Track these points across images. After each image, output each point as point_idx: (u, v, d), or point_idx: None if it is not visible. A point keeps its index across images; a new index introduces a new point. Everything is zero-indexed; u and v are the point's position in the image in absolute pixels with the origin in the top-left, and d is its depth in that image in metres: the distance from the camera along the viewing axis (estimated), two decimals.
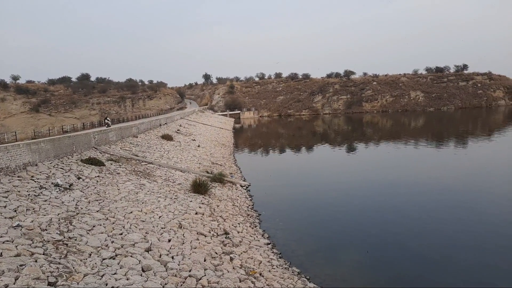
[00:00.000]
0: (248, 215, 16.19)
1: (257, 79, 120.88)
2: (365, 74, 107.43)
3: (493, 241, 12.93)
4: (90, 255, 8.11)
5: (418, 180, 22.32)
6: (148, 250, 9.27)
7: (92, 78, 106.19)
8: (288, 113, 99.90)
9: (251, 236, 13.24)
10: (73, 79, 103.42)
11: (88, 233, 9.37)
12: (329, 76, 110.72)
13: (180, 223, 12.12)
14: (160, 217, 12.31)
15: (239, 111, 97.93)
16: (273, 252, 12.16)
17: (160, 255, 9.15)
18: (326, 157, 34.32)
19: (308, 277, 10.65)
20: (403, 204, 17.85)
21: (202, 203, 15.50)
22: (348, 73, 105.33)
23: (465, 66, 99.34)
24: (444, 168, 25.77)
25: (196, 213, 13.87)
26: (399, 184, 21.94)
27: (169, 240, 10.42)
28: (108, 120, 34.46)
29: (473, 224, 14.63)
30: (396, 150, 35.10)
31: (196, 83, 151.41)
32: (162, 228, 11.31)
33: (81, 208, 11.17)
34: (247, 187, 21.56)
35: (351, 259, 12.08)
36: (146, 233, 10.49)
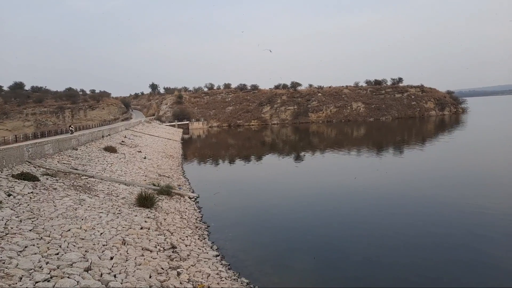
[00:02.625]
0: (197, 227, 15.92)
1: (206, 89, 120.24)
2: (310, 85, 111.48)
3: (426, 240, 13.97)
4: (21, 278, 7.44)
5: (361, 186, 23.48)
6: (87, 269, 8.72)
7: (27, 87, 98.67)
8: (237, 123, 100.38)
9: (200, 249, 13.01)
10: (5, 88, 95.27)
11: (19, 255, 8.60)
12: (277, 87, 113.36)
13: (123, 239, 11.57)
14: (101, 233, 11.65)
15: (187, 122, 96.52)
16: (222, 264, 12.04)
17: (101, 274, 8.65)
18: (274, 166, 34.93)
19: (256, 287, 10.68)
20: (347, 209, 18.67)
21: (148, 217, 14.96)
22: (295, 85, 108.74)
23: (400, 79, 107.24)
24: (384, 174, 27.43)
25: (141, 228, 13.34)
26: (344, 190, 22.92)
27: (111, 258, 9.89)
28: (72, 127, 39.39)
29: (409, 227, 15.69)
30: (340, 158, 36.73)
31: (142, 93, 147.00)
32: (103, 245, 10.71)
33: (11, 228, 10.23)
34: (195, 198, 21.21)
35: (299, 265, 12.34)
36: (85, 251, 9.86)
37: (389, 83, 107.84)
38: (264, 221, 17.47)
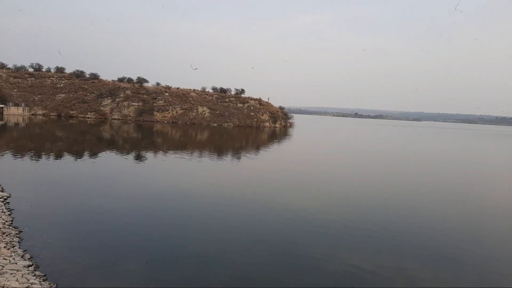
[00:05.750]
0: (4, 233, 13.28)
1: (31, 70, 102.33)
2: (158, 84, 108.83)
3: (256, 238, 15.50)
4: None
5: (199, 188, 24.23)
6: None
7: None
8: (70, 113, 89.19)
9: (6, 259, 10.90)
10: None
11: None
12: (120, 80, 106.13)
13: None
14: None
15: (2, 105, 79.88)
16: (35, 275, 10.39)
17: None
18: (109, 165, 32.41)
19: None
20: (182, 211, 18.92)
21: None
22: (141, 80, 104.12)
23: (242, 91, 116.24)
24: (226, 176, 29.08)
25: None
26: (181, 192, 23.15)
27: None
28: None
29: (244, 227, 17.08)
30: (181, 160, 37.03)
31: None
32: None
33: None
34: (5, 199, 17.68)
35: (129, 271, 11.78)
36: None
37: (233, 92, 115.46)
38: (91, 224, 15.95)
